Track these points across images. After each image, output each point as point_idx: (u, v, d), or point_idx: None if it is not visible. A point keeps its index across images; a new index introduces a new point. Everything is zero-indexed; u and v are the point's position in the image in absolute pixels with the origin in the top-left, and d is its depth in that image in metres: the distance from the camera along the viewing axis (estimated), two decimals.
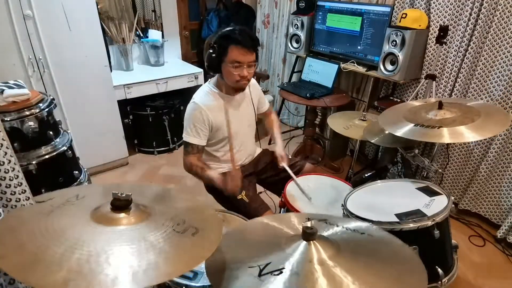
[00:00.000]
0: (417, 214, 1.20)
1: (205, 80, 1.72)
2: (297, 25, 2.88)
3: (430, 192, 1.34)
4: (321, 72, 2.79)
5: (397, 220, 1.19)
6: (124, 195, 0.76)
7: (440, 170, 2.37)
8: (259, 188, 1.86)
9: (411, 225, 1.15)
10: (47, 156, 1.72)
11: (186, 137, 1.56)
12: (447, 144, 2.32)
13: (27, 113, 1.63)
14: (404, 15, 2.23)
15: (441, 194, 1.32)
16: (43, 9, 2.15)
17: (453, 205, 1.25)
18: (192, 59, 3.62)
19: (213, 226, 0.81)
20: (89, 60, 2.45)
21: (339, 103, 2.60)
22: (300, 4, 2.87)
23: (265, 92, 3.42)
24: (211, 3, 3.62)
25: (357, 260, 0.77)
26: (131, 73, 3.04)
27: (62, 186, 1.81)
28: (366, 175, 2.29)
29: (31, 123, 1.64)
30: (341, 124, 1.96)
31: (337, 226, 0.91)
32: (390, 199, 1.35)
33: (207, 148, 1.66)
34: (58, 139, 1.81)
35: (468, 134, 1.30)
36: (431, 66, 2.31)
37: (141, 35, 3.16)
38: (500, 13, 1.92)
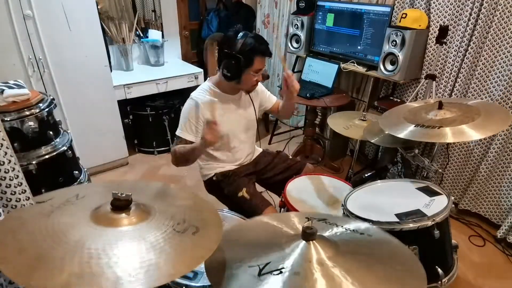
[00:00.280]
0: (417, 214, 1.20)
1: (205, 80, 1.72)
2: (297, 25, 2.88)
3: (430, 192, 1.34)
4: (321, 72, 2.79)
5: (397, 220, 1.19)
6: (124, 195, 0.76)
7: (440, 170, 2.37)
8: (260, 188, 1.86)
9: (411, 225, 1.15)
10: (47, 156, 1.72)
11: (180, 132, 1.55)
12: (447, 144, 2.32)
13: (27, 113, 1.63)
14: (404, 15, 2.23)
15: (441, 194, 1.32)
16: (43, 9, 2.15)
17: (453, 205, 1.25)
18: (192, 59, 3.62)
19: (213, 224, 0.81)
20: (89, 60, 2.45)
21: (339, 103, 2.60)
22: (300, 4, 2.87)
23: None
24: (211, 3, 3.62)
25: (356, 261, 0.77)
26: (131, 73, 3.04)
27: (62, 186, 1.81)
28: (366, 175, 2.29)
29: (31, 123, 1.64)
30: (341, 124, 1.96)
31: (337, 226, 0.91)
32: (390, 199, 1.35)
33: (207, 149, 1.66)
34: (58, 139, 1.81)
35: (469, 133, 1.29)
36: (431, 66, 2.31)
37: (141, 35, 3.16)
38: (500, 13, 1.92)
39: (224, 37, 1.55)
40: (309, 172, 1.83)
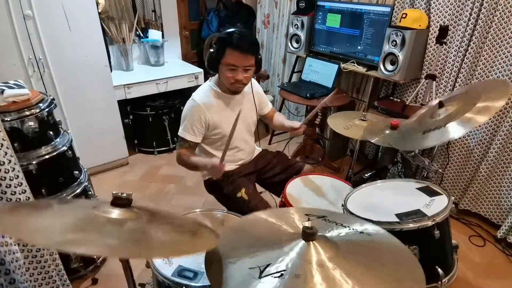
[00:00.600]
0: (417, 214, 1.20)
1: (205, 80, 1.73)
2: (297, 25, 2.88)
3: (430, 192, 1.34)
4: (321, 72, 2.79)
5: (397, 220, 1.19)
6: (124, 194, 0.76)
7: (440, 170, 2.37)
8: (259, 189, 1.86)
9: (411, 225, 1.15)
10: (47, 156, 1.71)
11: (181, 132, 1.58)
12: (447, 143, 2.32)
13: (27, 113, 1.63)
14: (404, 15, 2.23)
15: (441, 194, 1.32)
16: (43, 9, 2.15)
17: (453, 205, 1.25)
18: (192, 59, 3.62)
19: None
20: (89, 60, 2.45)
21: (339, 103, 2.60)
22: (300, 4, 2.87)
23: (265, 92, 3.42)
24: (211, 3, 3.62)
25: (356, 262, 0.76)
26: (131, 73, 3.04)
27: (62, 186, 1.81)
28: (366, 175, 2.29)
29: (31, 123, 1.64)
30: (341, 124, 1.96)
31: (336, 224, 0.91)
32: (390, 199, 1.35)
33: (205, 147, 1.67)
34: (58, 139, 1.81)
35: (475, 118, 1.25)
36: (431, 66, 2.31)
37: (141, 35, 3.17)
38: (500, 13, 1.92)
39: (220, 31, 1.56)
40: (308, 172, 1.83)
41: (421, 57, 2.33)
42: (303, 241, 0.78)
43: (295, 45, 2.97)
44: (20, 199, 1.31)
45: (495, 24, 1.96)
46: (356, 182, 2.19)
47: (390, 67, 2.30)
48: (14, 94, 1.61)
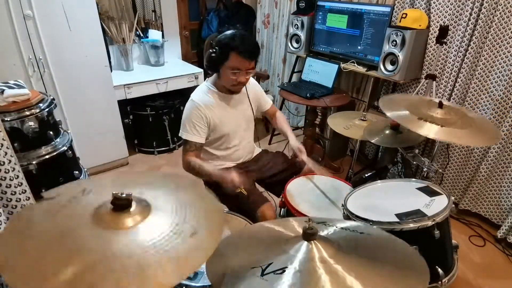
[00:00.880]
0: (417, 214, 1.20)
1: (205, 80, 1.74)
2: (297, 25, 2.88)
3: (430, 192, 1.34)
4: (321, 72, 2.79)
5: (397, 220, 1.19)
6: (124, 195, 0.75)
7: (440, 170, 2.37)
8: (259, 188, 1.86)
9: (411, 225, 1.15)
10: (47, 156, 1.72)
11: (185, 135, 1.57)
12: (448, 144, 2.33)
13: (27, 113, 1.64)
14: (404, 15, 2.23)
15: (441, 194, 1.32)
16: (43, 9, 2.15)
17: (453, 205, 1.25)
18: (192, 59, 3.62)
19: (214, 224, 0.79)
20: (89, 60, 2.45)
21: (339, 103, 2.60)
22: (300, 4, 2.87)
23: (265, 92, 3.42)
24: (211, 3, 3.62)
25: (358, 258, 0.77)
26: (131, 73, 3.04)
27: None
28: (366, 175, 2.29)
29: (31, 123, 1.64)
30: (341, 124, 1.96)
31: (336, 227, 0.91)
32: (390, 199, 1.35)
33: (206, 147, 1.67)
34: (58, 139, 1.81)
35: (469, 139, 1.33)
36: (431, 66, 2.31)
37: (141, 35, 3.16)
38: (500, 13, 1.92)
39: (219, 31, 1.55)
40: (309, 171, 1.83)
41: (421, 57, 2.33)
42: (304, 242, 0.79)
43: (295, 45, 2.97)
44: (20, 199, 1.32)
45: (495, 24, 1.96)
46: (356, 182, 2.19)
47: (390, 67, 2.30)
48: (14, 94, 1.62)
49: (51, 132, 1.75)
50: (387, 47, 2.26)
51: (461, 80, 2.17)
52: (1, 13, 2.02)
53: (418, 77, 2.41)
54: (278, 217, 1.62)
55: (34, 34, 2.17)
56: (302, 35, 2.86)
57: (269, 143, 3.41)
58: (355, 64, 2.59)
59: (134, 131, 3.14)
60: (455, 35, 2.15)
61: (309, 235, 0.78)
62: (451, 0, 2.11)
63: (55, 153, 1.75)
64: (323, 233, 0.86)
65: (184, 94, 3.12)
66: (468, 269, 1.97)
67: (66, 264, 0.63)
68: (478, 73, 2.10)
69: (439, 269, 1.20)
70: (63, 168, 1.83)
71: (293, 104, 3.51)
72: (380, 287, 0.69)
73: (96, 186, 0.91)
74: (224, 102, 1.62)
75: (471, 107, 2.18)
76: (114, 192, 0.75)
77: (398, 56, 2.20)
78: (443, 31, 2.05)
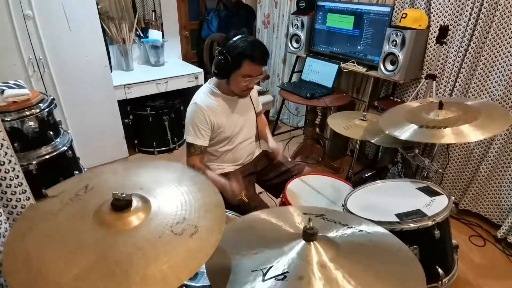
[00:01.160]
0: (417, 214, 1.20)
1: (205, 80, 1.74)
2: (297, 25, 2.88)
3: (431, 192, 1.34)
4: (321, 72, 2.79)
5: (398, 220, 1.19)
6: (124, 195, 0.75)
7: (440, 170, 2.37)
8: (259, 189, 1.86)
9: (412, 225, 1.15)
10: (47, 156, 1.72)
11: (189, 138, 1.56)
12: (448, 144, 2.32)
13: (27, 113, 1.63)
14: (404, 15, 2.23)
15: (442, 194, 1.32)
16: (43, 9, 2.15)
17: (453, 205, 1.25)
18: (192, 59, 3.62)
19: (214, 224, 0.79)
20: (89, 60, 2.45)
21: (339, 103, 2.60)
22: (300, 4, 2.87)
23: (265, 92, 3.42)
24: (211, 3, 3.62)
25: (357, 261, 0.77)
26: (131, 73, 3.04)
27: None
28: (366, 175, 2.29)
29: (31, 123, 1.64)
30: (341, 124, 1.96)
31: (335, 223, 0.91)
32: (390, 199, 1.35)
33: (208, 149, 1.67)
34: (58, 139, 1.81)
35: (474, 133, 1.27)
36: (431, 66, 2.31)
37: (141, 35, 3.16)
38: (500, 13, 1.92)
39: (225, 36, 1.55)
40: (308, 174, 1.83)
41: (421, 57, 2.33)
42: (303, 242, 0.78)
43: (295, 45, 2.97)
44: (20, 199, 1.32)
45: (495, 24, 1.95)
46: (356, 182, 2.18)
47: (390, 67, 2.30)
48: (14, 94, 1.62)
49: (51, 132, 1.75)
50: (387, 47, 2.26)
51: (461, 80, 2.17)
52: (1, 13, 2.02)
53: (418, 77, 2.41)
54: (278, 208, 1.62)
55: (34, 34, 2.17)
56: (302, 35, 2.86)
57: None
58: (355, 64, 2.59)
59: (134, 131, 3.13)
60: (455, 35, 2.15)
61: (309, 235, 0.78)
62: (451, 0, 2.11)
63: (55, 153, 1.74)
64: (322, 230, 0.84)
65: (184, 94, 3.13)
66: (468, 269, 1.97)
67: (69, 267, 0.63)
68: (478, 73, 2.10)
69: (439, 269, 1.20)
70: (63, 168, 1.83)
71: (293, 104, 3.51)
72: None
73: (98, 182, 0.91)
74: (228, 105, 1.62)
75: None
76: (114, 192, 0.75)
77: (398, 56, 2.20)
78: (443, 31, 2.05)
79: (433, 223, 1.15)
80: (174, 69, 3.17)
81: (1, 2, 2.00)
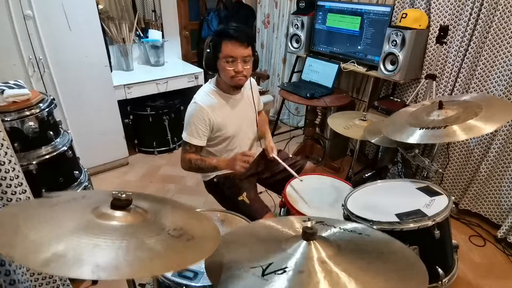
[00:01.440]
0: (417, 214, 1.20)
1: (205, 80, 1.74)
2: (297, 25, 2.88)
3: (431, 192, 1.34)
4: (321, 72, 2.79)
5: (398, 220, 1.19)
6: (124, 195, 0.75)
7: (440, 170, 2.37)
8: (260, 188, 1.86)
9: (412, 225, 1.15)
10: (47, 156, 1.72)
11: (186, 137, 1.56)
12: (448, 144, 2.32)
13: (27, 113, 1.63)
14: (404, 15, 2.23)
15: (442, 194, 1.32)
16: (43, 9, 2.15)
17: (453, 205, 1.25)
18: (192, 59, 3.62)
19: (210, 237, 0.80)
20: (89, 60, 2.45)
21: (339, 103, 2.60)
22: (300, 4, 2.87)
23: (265, 92, 3.42)
24: (211, 3, 3.62)
25: (357, 259, 0.77)
26: (131, 73, 3.04)
27: (62, 186, 1.81)
28: (366, 175, 2.29)
29: (31, 123, 1.64)
30: (341, 124, 1.96)
31: (335, 227, 0.91)
32: (390, 199, 1.35)
33: (209, 149, 1.66)
34: (58, 139, 1.81)
35: (479, 127, 1.26)
36: (431, 66, 2.31)
37: (141, 35, 3.17)
38: (500, 13, 1.92)
39: None
40: (310, 170, 1.83)
41: (421, 57, 2.33)
42: (304, 241, 0.79)
43: (295, 45, 2.97)
44: (20, 199, 1.31)
45: (495, 24, 1.95)
46: (356, 182, 2.19)
47: (390, 67, 2.30)
48: (14, 94, 1.61)
49: (51, 132, 1.75)
50: (387, 47, 2.26)
51: (461, 80, 2.17)
52: (1, 13, 2.02)
53: (418, 77, 2.41)
54: (278, 217, 1.62)
55: (34, 34, 2.17)
56: (302, 35, 2.86)
57: None
58: (355, 64, 2.59)
59: (134, 131, 3.14)
60: (455, 35, 2.15)
61: (308, 235, 0.78)
62: (451, 0, 2.11)
63: (55, 153, 1.74)
64: (322, 233, 0.85)
65: (184, 94, 3.13)
66: (468, 269, 1.97)
67: (59, 241, 0.64)
68: (478, 73, 2.10)
69: (439, 269, 1.20)
70: (63, 168, 1.83)
71: (293, 104, 3.51)
72: None
73: (96, 195, 0.91)
74: (227, 103, 1.61)
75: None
76: (114, 192, 0.75)
77: (398, 56, 2.20)
78: (443, 31, 2.05)
79: (433, 223, 1.15)
80: (174, 69, 3.17)
81: (1, 2, 2.00)
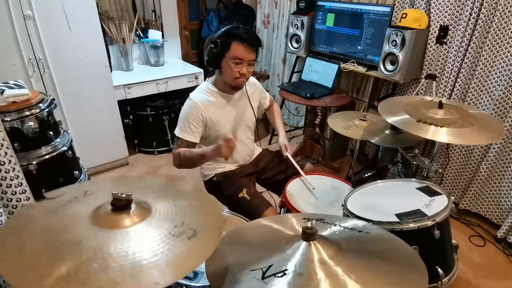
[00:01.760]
0: (417, 214, 1.20)
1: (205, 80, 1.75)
2: (297, 25, 2.88)
3: (430, 192, 1.34)
4: (321, 72, 2.79)
5: (398, 220, 1.19)
6: (124, 195, 0.75)
7: (440, 170, 2.37)
8: (260, 188, 1.86)
9: (411, 225, 1.15)
10: (47, 156, 1.72)
11: (179, 132, 1.54)
12: (447, 144, 2.32)
13: (27, 113, 1.64)
14: (404, 15, 2.23)
15: (441, 194, 1.32)
16: (43, 9, 2.15)
17: (453, 205, 1.25)
18: (192, 59, 3.62)
19: (213, 228, 0.79)
20: (89, 60, 2.45)
21: (339, 103, 2.60)
22: (300, 4, 2.87)
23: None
24: (211, 3, 3.62)
25: (357, 258, 0.77)
26: (131, 73, 3.04)
27: (62, 186, 1.81)
28: (366, 175, 2.29)
29: (31, 123, 1.64)
30: (341, 124, 1.96)
31: (335, 225, 0.91)
32: (390, 199, 1.35)
33: (203, 147, 1.66)
34: (58, 139, 1.81)
35: (470, 137, 1.31)
36: (431, 66, 2.31)
37: (141, 35, 3.17)
38: (500, 13, 1.92)
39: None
40: (309, 171, 1.83)
41: (421, 57, 2.33)
42: (304, 242, 0.78)
43: (295, 45, 2.97)
44: (20, 199, 1.32)
45: (495, 24, 1.95)
46: (356, 182, 2.19)
47: (390, 67, 2.30)
48: (14, 94, 1.62)
49: (51, 132, 1.75)
50: (387, 47, 2.26)
51: (461, 80, 2.17)
52: (1, 13, 2.02)
53: (418, 77, 2.41)
54: (278, 215, 1.62)
55: (34, 34, 2.17)
56: (302, 35, 2.86)
57: (269, 143, 3.41)
58: (355, 64, 2.59)
59: (134, 131, 3.14)
60: (455, 35, 2.15)
61: (308, 235, 0.78)
62: (451, 0, 2.11)
63: (55, 153, 1.75)
64: (322, 231, 0.85)
65: (184, 94, 3.10)
66: (468, 269, 1.97)
67: (62, 260, 0.63)
68: (478, 73, 2.10)
69: (439, 269, 1.20)
70: (63, 168, 1.83)
71: (293, 104, 3.51)
72: None
73: (97, 189, 0.91)
74: (223, 102, 1.61)
75: (471, 106, 2.18)
76: (114, 192, 0.75)
77: (398, 56, 2.20)
78: (443, 31, 2.05)
79: (433, 223, 1.15)
80: (174, 69, 3.17)
81: (1, 2, 2.00)
